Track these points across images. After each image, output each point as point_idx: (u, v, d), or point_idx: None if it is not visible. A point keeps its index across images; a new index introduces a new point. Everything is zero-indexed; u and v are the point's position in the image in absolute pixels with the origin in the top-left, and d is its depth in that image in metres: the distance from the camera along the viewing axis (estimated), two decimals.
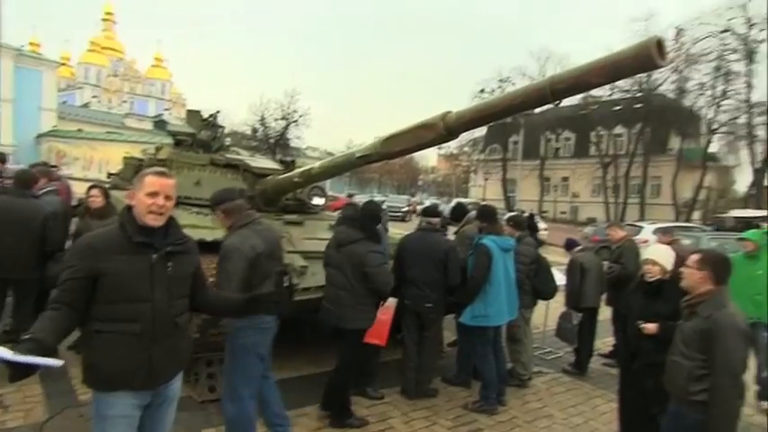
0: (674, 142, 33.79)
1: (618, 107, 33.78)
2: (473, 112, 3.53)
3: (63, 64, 52.46)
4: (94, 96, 64.82)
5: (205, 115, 6.49)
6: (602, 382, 5.10)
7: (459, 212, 5.17)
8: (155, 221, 2.02)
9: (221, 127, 6.45)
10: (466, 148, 47.09)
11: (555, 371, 5.33)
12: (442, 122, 3.54)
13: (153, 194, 2.02)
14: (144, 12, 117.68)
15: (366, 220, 3.89)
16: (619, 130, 36.05)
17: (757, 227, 5.98)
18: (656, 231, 6.30)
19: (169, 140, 6.42)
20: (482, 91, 39.03)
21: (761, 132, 28.19)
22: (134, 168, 6.51)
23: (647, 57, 2.40)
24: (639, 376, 3.12)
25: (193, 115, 6.55)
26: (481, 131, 41.78)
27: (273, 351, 5.07)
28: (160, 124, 45.50)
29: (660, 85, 31.32)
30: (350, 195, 17.48)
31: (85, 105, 57.81)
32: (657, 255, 3.28)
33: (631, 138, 35.03)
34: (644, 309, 3.15)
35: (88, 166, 32.54)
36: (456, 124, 3.53)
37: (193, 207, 5.30)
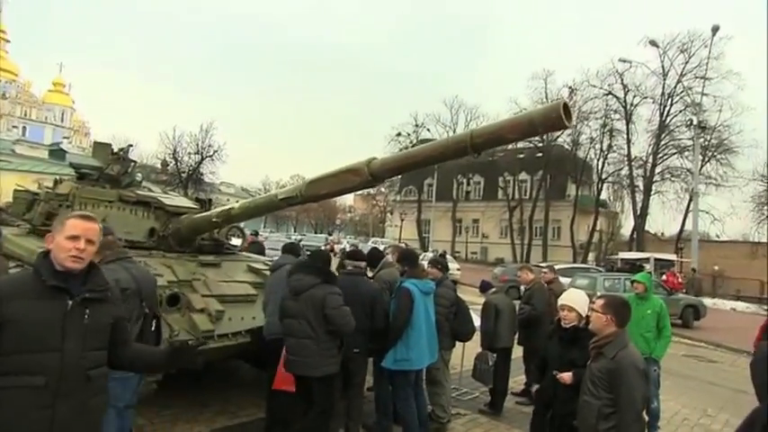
0: (571, 189, 37.09)
1: (521, 155, 36.71)
2: (397, 161, 3.67)
3: None
4: None
5: (115, 148, 6.11)
6: (516, 420, 5.27)
7: (375, 257, 5.25)
8: (74, 263, 1.91)
9: (133, 161, 6.09)
10: (383, 189, 48.31)
11: (472, 411, 5.43)
12: (366, 168, 3.62)
13: (74, 238, 1.92)
14: (43, 34, 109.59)
15: (321, 265, 3.91)
16: (523, 176, 39.10)
17: (641, 267, 6.64)
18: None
19: (69, 172, 5.93)
20: (399, 134, 40.69)
21: (639, 183, 31.87)
22: (26, 204, 5.91)
23: (556, 118, 2.66)
24: (555, 424, 3.20)
25: (102, 148, 6.13)
26: None
27: (184, 403, 4.75)
28: (58, 153, 42.07)
29: (558, 137, 34.55)
30: (254, 233, 17.12)
31: None
32: (573, 301, 3.35)
33: (534, 183, 38.04)
34: (560, 356, 3.22)
35: None
36: (380, 170, 3.63)
37: None
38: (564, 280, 9.12)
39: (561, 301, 3.41)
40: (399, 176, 44.22)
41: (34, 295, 1.85)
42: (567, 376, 3.12)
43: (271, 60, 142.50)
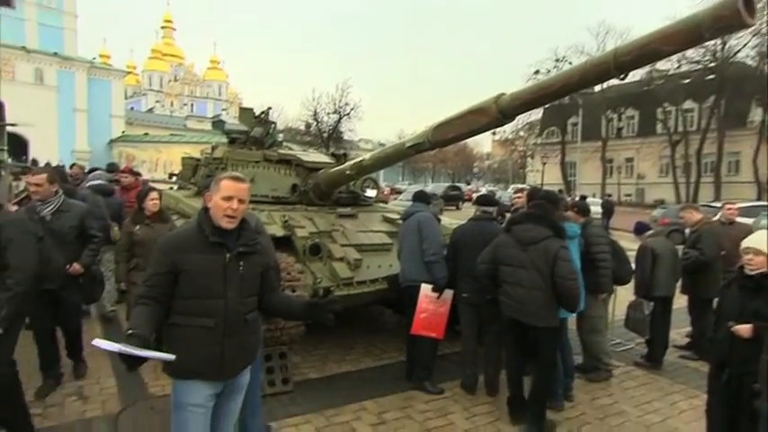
0: (755, 114, 31.12)
1: (687, 80, 31.51)
2: (528, 93, 3.32)
3: (129, 72, 55.52)
4: (158, 101, 68.31)
5: (257, 112, 6.58)
6: (680, 376, 4.74)
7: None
8: (229, 224, 2.15)
9: (273, 123, 6.51)
10: (522, 133, 45.78)
11: (626, 363, 5.01)
12: (495, 105, 3.36)
13: (228, 198, 2.14)
14: (199, 17, 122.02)
15: (552, 218, 3.68)
16: (689, 104, 33.66)
17: None
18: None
19: (225, 139, 6.57)
20: (537, 72, 37.64)
21: None
22: (192, 168, 6.72)
23: (732, 15, 2.12)
24: (732, 385, 2.77)
25: (246, 113, 6.66)
26: (537, 114, 40.47)
27: (332, 345, 5.12)
28: (218, 124, 47.15)
29: (737, 52, 28.88)
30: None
31: (150, 110, 61.11)
32: (760, 243, 2.79)
33: (703, 112, 32.63)
34: (741, 307, 2.75)
35: (154, 167, 34.36)
36: (510, 107, 3.35)
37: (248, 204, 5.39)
38: (745, 221, 7.75)
39: (745, 243, 2.85)
40: (540, 118, 41.69)
41: (200, 249, 2.13)
42: (744, 329, 2.65)
43: (408, 7, 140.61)
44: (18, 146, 29.75)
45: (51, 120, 36.11)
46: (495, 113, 3.37)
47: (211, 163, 5.92)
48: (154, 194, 4.43)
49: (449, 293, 4.24)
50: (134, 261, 4.37)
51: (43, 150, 29.13)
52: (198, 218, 2.23)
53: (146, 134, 42.75)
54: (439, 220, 4.46)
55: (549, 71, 36.66)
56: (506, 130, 45.06)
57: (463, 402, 4.02)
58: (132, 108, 56.46)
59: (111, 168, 8.33)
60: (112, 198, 6.13)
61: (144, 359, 1.86)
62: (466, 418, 3.77)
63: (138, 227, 4.36)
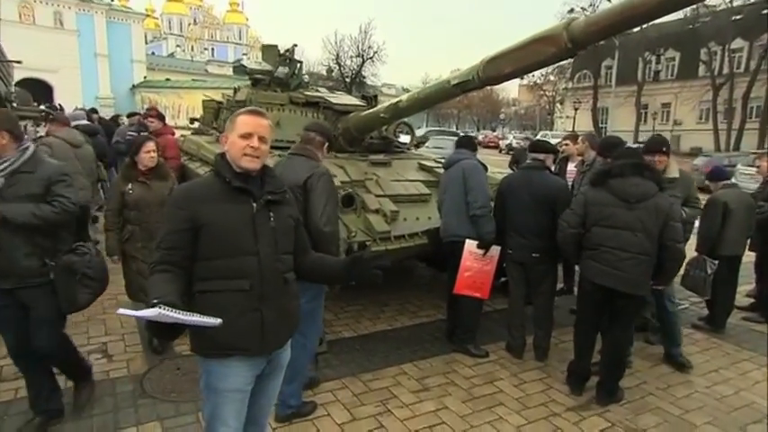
0: None
1: (738, 16, 29.06)
2: (609, 17, 2.74)
3: (148, 15, 54.24)
4: (178, 46, 67.20)
5: (282, 50, 6.06)
6: (746, 341, 4.34)
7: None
8: (250, 164, 1.80)
9: (299, 62, 5.99)
10: (551, 77, 43.72)
11: (683, 326, 4.62)
12: (565, 33, 2.81)
13: (247, 136, 1.79)
14: None
15: (652, 168, 3.24)
16: (738, 43, 31.20)
17: None
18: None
19: (247, 81, 6.11)
20: (571, 11, 35.24)
21: None
22: (213, 112, 6.34)
23: None
24: None
25: (269, 50, 6.14)
26: None
27: (365, 301, 4.84)
28: (240, 69, 46.22)
29: None
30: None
31: (171, 55, 60.13)
32: None
33: (753, 52, 30.28)
34: None
35: (176, 114, 33.96)
36: (584, 34, 2.79)
37: (274, 150, 5.00)
38: None
39: None
40: (570, 61, 39.51)
41: (222, 198, 1.78)
42: None
43: None
44: (43, 92, 29.72)
45: (73, 65, 35.91)
46: (565, 42, 2.82)
47: (234, 106, 5.53)
48: (150, 145, 3.52)
49: (495, 250, 3.85)
50: (128, 230, 3.50)
51: (67, 96, 28.96)
52: (215, 163, 1.88)
53: (167, 80, 42.13)
54: (486, 169, 3.99)
55: (583, 9, 34.27)
56: (535, 74, 43.26)
57: (510, 368, 3.71)
58: (153, 53, 55.54)
59: (132, 114, 8.50)
60: (97, 138, 6.29)
61: (181, 328, 1.56)
62: (515, 385, 3.46)
63: (130, 185, 3.48)
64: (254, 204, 1.80)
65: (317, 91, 5.95)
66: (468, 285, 3.85)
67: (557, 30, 2.85)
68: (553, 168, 4.35)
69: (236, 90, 6.17)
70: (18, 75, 20.60)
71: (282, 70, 5.82)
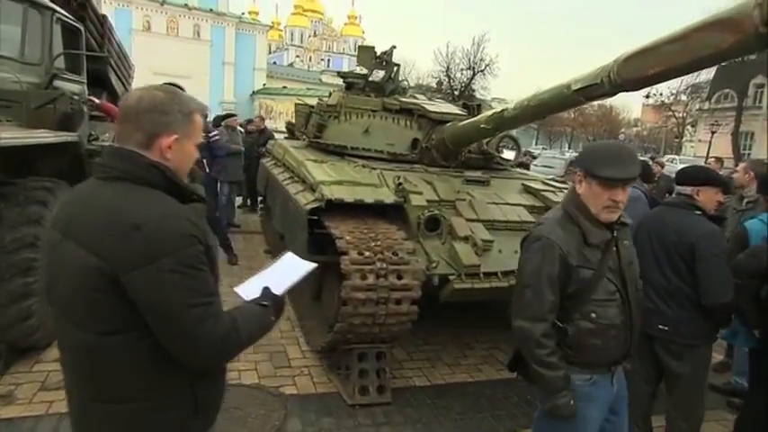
0: None
1: None
2: None
3: (272, 27, 58.14)
4: (297, 56, 71.26)
5: (379, 53, 5.60)
6: None
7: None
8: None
9: (396, 65, 5.47)
10: (683, 96, 39.49)
11: None
12: (758, 11, 1.93)
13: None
14: None
15: None
16: None
17: None
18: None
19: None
20: None
21: None
22: (305, 117, 6.03)
23: None
24: None
25: (365, 52, 5.71)
26: (708, 73, 34.25)
27: (445, 339, 4.13)
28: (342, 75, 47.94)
29: None
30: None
31: (290, 65, 63.92)
32: None
33: None
34: None
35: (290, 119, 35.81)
36: None
37: (359, 159, 4.51)
38: None
39: None
40: (709, 78, 35.24)
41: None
42: None
43: None
44: None
45: (204, 72, 39.41)
46: (755, 27, 1.94)
47: (325, 111, 5.14)
48: None
49: None
50: None
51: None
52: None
53: (284, 87, 44.65)
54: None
55: None
56: (663, 92, 39.40)
57: None
58: (275, 62, 59.41)
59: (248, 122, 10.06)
60: None
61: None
62: None
63: None
64: None
65: (414, 98, 5.38)
66: None
67: (744, 9, 1.98)
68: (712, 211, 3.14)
69: (330, 94, 5.83)
70: (159, 79, 22.93)
71: (378, 74, 5.35)
